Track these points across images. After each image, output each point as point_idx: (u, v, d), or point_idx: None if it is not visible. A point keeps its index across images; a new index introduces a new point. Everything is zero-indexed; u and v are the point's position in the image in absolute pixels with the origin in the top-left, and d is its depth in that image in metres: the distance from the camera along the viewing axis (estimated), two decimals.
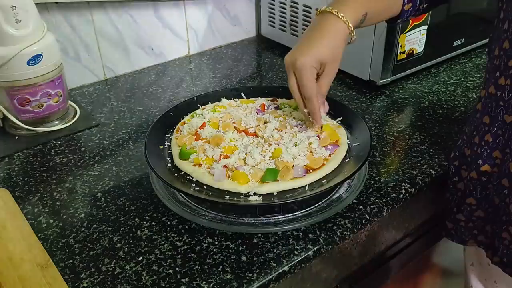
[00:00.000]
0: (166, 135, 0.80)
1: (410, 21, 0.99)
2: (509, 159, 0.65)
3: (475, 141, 0.70)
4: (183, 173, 0.71)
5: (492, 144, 0.67)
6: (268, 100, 0.86)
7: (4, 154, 0.85)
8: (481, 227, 0.73)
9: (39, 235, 0.67)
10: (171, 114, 0.83)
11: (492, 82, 0.66)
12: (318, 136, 0.75)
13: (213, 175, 0.68)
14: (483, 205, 0.71)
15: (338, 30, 0.68)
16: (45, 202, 0.73)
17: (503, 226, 0.68)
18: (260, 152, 0.71)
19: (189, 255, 0.63)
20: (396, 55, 1.00)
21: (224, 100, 0.87)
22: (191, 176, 0.69)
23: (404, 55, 1.02)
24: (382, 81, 1.02)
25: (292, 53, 0.69)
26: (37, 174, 0.80)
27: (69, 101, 0.97)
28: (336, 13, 0.68)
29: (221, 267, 0.61)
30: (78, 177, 0.79)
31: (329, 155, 0.72)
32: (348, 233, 0.67)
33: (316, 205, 0.68)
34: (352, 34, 0.69)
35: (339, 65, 0.71)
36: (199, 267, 0.61)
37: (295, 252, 0.63)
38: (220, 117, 0.80)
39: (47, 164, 0.83)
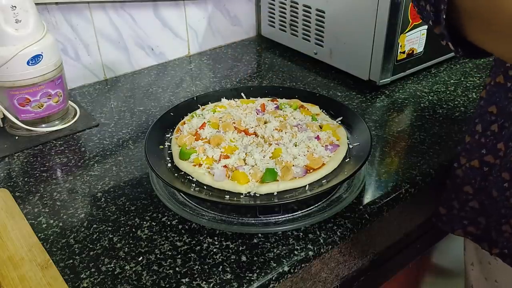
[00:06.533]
0: (166, 135, 0.80)
1: (410, 20, 0.97)
2: None
3: (477, 129, 0.68)
4: (183, 173, 0.71)
5: (498, 135, 0.66)
6: (268, 100, 0.86)
7: (4, 154, 0.85)
8: (473, 218, 0.72)
9: (39, 235, 0.67)
10: (171, 114, 0.83)
11: (502, 71, 0.64)
12: (318, 136, 0.75)
13: (213, 175, 0.68)
14: (479, 196, 0.70)
15: None
16: (45, 202, 0.73)
17: (503, 219, 0.67)
18: (260, 152, 0.71)
19: (189, 255, 0.63)
20: (396, 55, 1.00)
21: (224, 100, 0.87)
22: (191, 176, 0.69)
23: (404, 55, 1.02)
24: (382, 81, 1.02)
25: None
26: (37, 174, 0.80)
27: (69, 101, 0.97)
28: None
29: (221, 267, 0.61)
30: (78, 177, 0.79)
31: (329, 155, 0.72)
32: (348, 233, 0.67)
33: (316, 205, 0.68)
34: None
35: None
36: (199, 267, 0.61)
37: (295, 252, 0.63)
38: (220, 117, 0.80)
39: (47, 164, 0.83)
